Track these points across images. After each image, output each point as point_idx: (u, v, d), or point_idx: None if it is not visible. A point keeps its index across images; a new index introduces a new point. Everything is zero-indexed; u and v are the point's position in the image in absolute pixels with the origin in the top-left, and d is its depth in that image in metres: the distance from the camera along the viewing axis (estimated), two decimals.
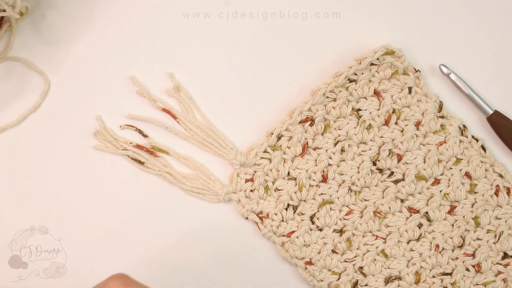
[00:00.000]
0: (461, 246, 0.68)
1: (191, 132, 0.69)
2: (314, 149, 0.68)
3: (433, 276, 0.67)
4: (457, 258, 0.68)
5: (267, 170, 0.68)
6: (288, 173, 0.68)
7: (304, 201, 0.68)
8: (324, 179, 0.68)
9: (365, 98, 0.68)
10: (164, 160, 0.69)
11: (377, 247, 0.67)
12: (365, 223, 0.67)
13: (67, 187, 0.68)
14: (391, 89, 0.69)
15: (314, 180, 0.68)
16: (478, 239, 0.68)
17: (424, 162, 0.68)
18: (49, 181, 0.68)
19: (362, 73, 0.68)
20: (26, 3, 0.67)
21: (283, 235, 0.67)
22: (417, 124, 0.68)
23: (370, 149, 0.68)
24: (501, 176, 0.68)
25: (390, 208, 0.67)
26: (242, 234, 0.68)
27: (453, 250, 0.67)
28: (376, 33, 0.70)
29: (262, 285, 0.68)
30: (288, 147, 0.68)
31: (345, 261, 0.67)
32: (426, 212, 0.68)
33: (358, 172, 0.68)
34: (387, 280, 0.67)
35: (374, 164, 0.68)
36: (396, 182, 0.68)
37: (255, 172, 0.68)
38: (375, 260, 0.67)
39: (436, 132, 0.68)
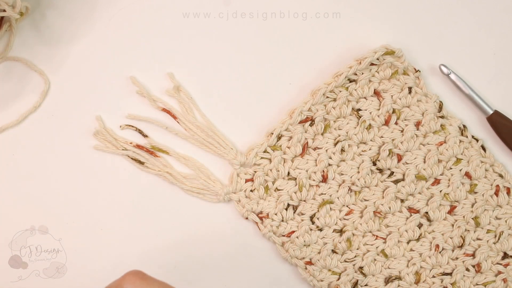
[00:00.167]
0: (461, 246, 0.68)
1: (191, 132, 0.69)
2: (314, 149, 0.68)
3: (433, 276, 0.67)
4: (457, 258, 0.68)
5: (267, 170, 0.68)
6: (288, 173, 0.68)
7: (304, 201, 0.68)
8: (324, 179, 0.68)
9: (365, 98, 0.68)
10: (164, 160, 0.69)
11: (377, 247, 0.67)
12: (365, 223, 0.67)
13: (67, 187, 0.68)
14: (391, 89, 0.69)
15: (314, 180, 0.68)
16: (478, 239, 0.68)
17: (424, 162, 0.68)
18: (49, 181, 0.68)
19: (362, 73, 0.68)
20: (26, 3, 0.67)
21: (283, 235, 0.67)
22: (417, 124, 0.68)
23: (370, 149, 0.68)
24: (501, 176, 0.68)
25: (390, 208, 0.67)
26: (242, 234, 0.68)
27: (453, 250, 0.67)
28: (376, 33, 0.70)
29: (262, 285, 0.68)
30: (288, 147, 0.68)
31: (345, 261, 0.67)
32: (426, 212, 0.68)
33: (358, 172, 0.68)
34: (387, 280, 0.67)
35: (374, 164, 0.68)
36: (396, 182, 0.68)
37: (255, 172, 0.68)
38: (375, 260, 0.67)
39: (436, 132, 0.68)
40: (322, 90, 0.68)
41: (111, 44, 0.70)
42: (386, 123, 0.68)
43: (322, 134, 0.68)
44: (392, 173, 0.68)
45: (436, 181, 0.68)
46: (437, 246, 0.67)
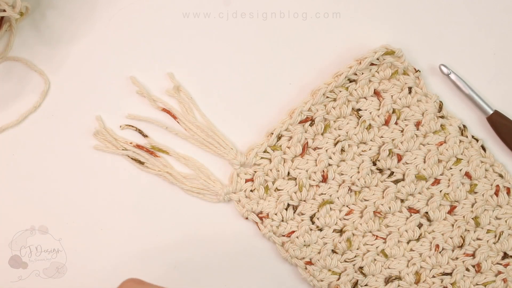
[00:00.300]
0: (461, 246, 0.68)
1: (191, 132, 0.69)
2: (314, 149, 0.68)
3: (433, 276, 0.67)
4: (457, 258, 0.68)
5: (267, 170, 0.68)
6: (288, 173, 0.68)
7: (304, 201, 0.68)
8: (324, 179, 0.68)
9: (365, 98, 0.68)
10: (164, 160, 0.69)
11: (377, 247, 0.67)
12: (365, 223, 0.67)
13: (67, 187, 0.68)
14: (391, 89, 0.69)
15: (314, 180, 0.68)
16: (478, 239, 0.68)
17: (424, 162, 0.68)
18: (49, 181, 0.68)
19: (362, 73, 0.68)
20: (26, 3, 0.67)
21: (283, 235, 0.67)
22: (417, 124, 0.68)
23: (370, 149, 0.68)
24: (501, 176, 0.68)
25: (390, 208, 0.67)
26: (242, 234, 0.68)
27: (453, 250, 0.68)
28: (376, 33, 0.70)
29: (262, 285, 0.68)
30: (288, 147, 0.68)
31: (345, 261, 0.67)
32: (426, 212, 0.68)
33: (358, 172, 0.68)
34: (387, 280, 0.67)
35: (374, 164, 0.68)
36: (396, 182, 0.68)
37: (255, 172, 0.68)
38: (375, 260, 0.67)
39: (436, 132, 0.68)
40: (322, 90, 0.68)
41: (111, 44, 0.70)
42: (386, 123, 0.68)
43: (322, 134, 0.68)
44: (392, 173, 0.68)
45: (436, 181, 0.68)
46: (437, 246, 0.67)
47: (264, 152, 0.68)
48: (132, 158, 0.68)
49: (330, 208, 0.68)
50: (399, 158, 0.68)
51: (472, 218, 0.68)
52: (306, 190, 0.67)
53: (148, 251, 0.68)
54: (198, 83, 0.70)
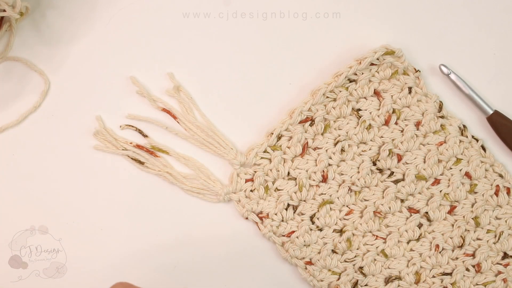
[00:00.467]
0: (461, 246, 0.68)
1: (191, 132, 0.69)
2: (314, 149, 0.68)
3: (433, 276, 0.67)
4: (457, 258, 0.68)
5: (267, 170, 0.68)
6: (288, 173, 0.68)
7: (304, 201, 0.68)
8: (324, 179, 0.68)
9: (365, 98, 0.68)
10: (164, 160, 0.69)
11: (377, 247, 0.67)
12: (365, 223, 0.67)
13: (67, 187, 0.68)
14: (391, 89, 0.69)
15: (314, 180, 0.68)
16: (478, 239, 0.68)
17: (424, 162, 0.68)
18: (49, 181, 0.68)
19: (362, 73, 0.68)
20: (26, 3, 0.67)
21: (283, 235, 0.67)
22: (417, 124, 0.68)
23: (370, 149, 0.68)
24: (501, 176, 0.68)
25: (390, 208, 0.67)
26: (242, 234, 0.68)
27: (453, 250, 0.68)
28: (376, 33, 0.70)
29: (262, 285, 0.68)
30: (288, 147, 0.68)
31: (345, 261, 0.67)
32: (426, 212, 0.68)
33: (358, 172, 0.68)
34: (387, 280, 0.67)
35: (374, 164, 0.68)
36: (396, 182, 0.68)
37: (255, 172, 0.68)
38: (375, 260, 0.67)
39: (436, 132, 0.68)
40: (322, 90, 0.68)
41: (111, 44, 0.70)
42: (386, 123, 0.68)
43: (322, 134, 0.68)
44: (392, 173, 0.68)
45: (436, 181, 0.68)
46: (437, 246, 0.67)
47: (264, 152, 0.68)
48: (132, 158, 0.68)
49: (330, 208, 0.68)
50: (399, 158, 0.68)
51: (472, 218, 0.68)
52: (306, 190, 0.67)
53: (148, 251, 0.68)
54: (198, 83, 0.70)
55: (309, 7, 0.70)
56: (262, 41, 0.70)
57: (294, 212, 0.67)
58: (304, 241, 0.67)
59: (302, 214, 0.67)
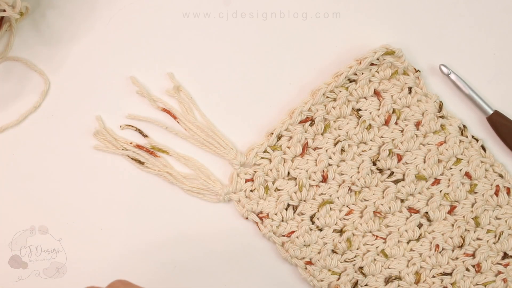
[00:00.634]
0: (461, 246, 0.68)
1: (191, 132, 0.69)
2: (314, 149, 0.68)
3: (433, 276, 0.67)
4: (457, 258, 0.68)
5: (267, 170, 0.68)
6: (288, 173, 0.68)
7: (304, 201, 0.68)
8: (324, 179, 0.68)
9: (365, 98, 0.68)
10: (164, 160, 0.69)
11: (377, 247, 0.67)
12: (365, 223, 0.67)
13: (67, 187, 0.68)
14: (391, 89, 0.69)
15: (314, 180, 0.68)
16: (478, 239, 0.68)
17: (424, 162, 0.68)
18: (49, 181, 0.68)
19: (362, 73, 0.68)
20: (26, 3, 0.67)
21: (283, 235, 0.67)
22: (417, 124, 0.68)
23: (370, 149, 0.68)
24: (501, 176, 0.68)
25: (390, 208, 0.67)
26: (242, 234, 0.68)
27: (453, 250, 0.67)
28: (376, 33, 0.70)
29: (262, 285, 0.68)
30: (288, 147, 0.68)
31: (345, 261, 0.67)
32: (426, 212, 0.68)
33: (358, 172, 0.68)
34: (387, 280, 0.67)
35: (374, 164, 0.68)
36: (396, 182, 0.68)
37: (255, 172, 0.68)
38: (375, 260, 0.67)
39: (436, 132, 0.68)
40: (322, 90, 0.68)
41: (111, 44, 0.70)
42: (386, 123, 0.68)
43: (322, 134, 0.68)
44: (392, 173, 0.68)
45: (436, 181, 0.68)
46: (437, 246, 0.67)
47: (264, 152, 0.68)
48: (132, 158, 0.68)
49: (330, 208, 0.68)
50: (399, 158, 0.68)
51: (472, 218, 0.68)
52: (306, 190, 0.67)
53: (148, 251, 0.68)
54: (198, 83, 0.70)
55: (309, 7, 0.70)
56: (262, 41, 0.70)
57: (294, 212, 0.67)
58: (304, 241, 0.67)
59: (302, 214, 0.67)
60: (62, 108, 0.69)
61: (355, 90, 0.68)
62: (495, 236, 0.68)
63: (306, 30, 0.70)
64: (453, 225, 0.68)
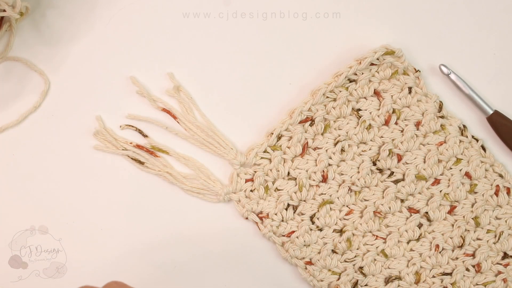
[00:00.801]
0: (461, 246, 0.68)
1: (191, 132, 0.69)
2: (314, 149, 0.68)
3: (433, 276, 0.67)
4: (457, 258, 0.68)
5: (267, 170, 0.68)
6: (288, 173, 0.68)
7: (304, 201, 0.68)
8: (324, 179, 0.68)
9: (365, 98, 0.68)
10: (164, 160, 0.69)
11: (377, 247, 0.67)
12: (365, 223, 0.67)
13: (67, 187, 0.68)
14: (391, 89, 0.69)
15: (314, 180, 0.68)
16: (478, 239, 0.68)
17: (424, 162, 0.68)
18: (49, 181, 0.68)
19: (362, 73, 0.68)
20: (26, 3, 0.67)
21: (283, 235, 0.67)
22: (417, 124, 0.68)
23: (370, 149, 0.68)
24: (501, 176, 0.68)
25: (390, 208, 0.67)
26: (242, 234, 0.68)
27: (453, 250, 0.68)
28: (376, 33, 0.70)
29: (262, 285, 0.68)
30: (288, 147, 0.68)
31: (345, 261, 0.67)
32: (426, 212, 0.68)
33: (358, 172, 0.68)
34: (387, 280, 0.67)
35: (374, 164, 0.68)
36: (396, 182, 0.68)
37: (255, 172, 0.68)
38: (375, 260, 0.67)
39: (436, 132, 0.68)
40: (322, 90, 0.68)
41: (111, 44, 0.70)
42: (386, 123, 0.68)
43: (322, 134, 0.68)
44: (392, 173, 0.68)
45: (436, 181, 0.68)
46: (437, 246, 0.67)
47: (264, 152, 0.68)
48: (132, 158, 0.68)
49: (330, 208, 0.68)
50: (399, 158, 0.68)
51: (472, 218, 0.68)
52: (306, 190, 0.67)
53: (148, 251, 0.68)
54: (198, 83, 0.70)
55: (309, 7, 0.70)
56: (262, 41, 0.70)
57: (294, 212, 0.67)
58: (304, 241, 0.67)
59: (302, 214, 0.67)
60: (62, 108, 0.69)
61: (355, 90, 0.68)
62: (495, 236, 0.68)
63: (306, 30, 0.70)
64: (453, 225, 0.68)
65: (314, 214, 0.67)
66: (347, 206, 0.68)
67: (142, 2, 0.70)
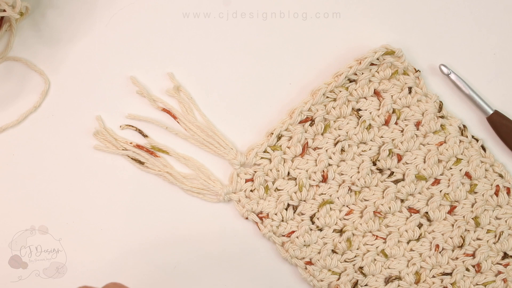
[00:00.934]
0: (461, 246, 0.68)
1: (191, 132, 0.69)
2: (314, 149, 0.68)
3: (433, 276, 0.67)
4: (457, 258, 0.68)
5: (267, 170, 0.68)
6: (288, 173, 0.68)
7: (304, 201, 0.68)
8: (324, 179, 0.68)
9: (365, 98, 0.68)
10: (164, 160, 0.69)
11: (377, 247, 0.67)
12: (365, 223, 0.67)
13: (67, 187, 0.68)
14: (391, 89, 0.69)
15: (314, 180, 0.68)
16: (478, 239, 0.68)
17: (424, 162, 0.68)
18: (49, 181, 0.68)
19: (362, 73, 0.68)
20: (26, 3, 0.67)
21: (283, 235, 0.67)
22: (417, 124, 0.68)
23: (370, 149, 0.68)
24: (501, 176, 0.68)
25: (390, 208, 0.67)
26: (242, 234, 0.68)
27: (453, 250, 0.68)
28: (376, 33, 0.70)
29: (262, 285, 0.68)
30: (288, 147, 0.68)
31: (345, 261, 0.67)
32: (426, 212, 0.68)
33: (358, 172, 0.68)
34: (387, 280, 0.67)
35: (374, 164, 0.68)
36: (396, 182, 0.68)
37: (255, 172, 0.68)
38: (375, 260, 0.67)
39: (436, 132, 0.68)
40: (322, 90, 0.68)
41: (111, 44, 0.70)
42: (386, 123, 0.68)
43: (322, 134, 0.68)
44: (392, 173, 0.68)
45: (436, 181, 0.68)
46: (437, 246, 0.67)
47: (264, 152, 0.68)
48: (132, 158, 0.68)
49: (330, 208, 0.68)
50: (399, 158, 0.68)
51: (472, 218, 0.68)
52: (306, 190, 0.67)
53: (148, 251, 0.68)
54: (198, 83, 0.70)
55: (309, 7, 0.70)
56: (262, 41, 0.70)
57: (294, 212, 0.67)
58: (304, 241, 0.67)
59: (302, 214, 0.67)
60: (62, 108, 0.69)
61: (355, 90, 0.68)
62: (495, 236, 0.68)
63: (306, 30, 0.70)
64: (453, 225, 0.68)
65: (314, 214, 0.67)
66: (347, 206, 0.68)
67: (142, 2, 0.70)
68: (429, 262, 0.67)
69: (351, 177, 0.68)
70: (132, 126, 0.69)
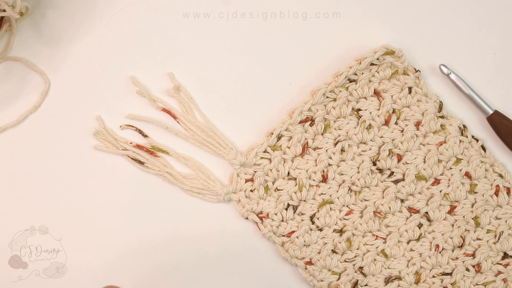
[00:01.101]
0: (461, 246, 0.68)
1: (191, 132, 0.69)
2: (314, 149, 0.68)
3: (433, 276, 0.67)
4: (457, 258, 0.68)
5: (267, 170, 0.68)
6: (288, 173, 0.68)
7: (304, 201, 0.68)
8: (324, 179, 0.68)
9: (365, 98, 0.68)
10: (164, 160, 0.69)
11: (377, 247, 0.67)
12: (365, 223, 0.67)
13: (67, 187, 0.68)
14: (391, 89, 0.69)
15: (314, 180, 0.68)
16: (478, 239, 0.68)
17: (424, 162, 0.68)
18: (49, 181, 0.68)
19: (362, 73, 0.68)
20: (26, 3, 0.67)
21: (283, 235, 0.67)
22: (417, 124, 0.68)
23: (370, 149, 0.68)
24: (501, 176, 0.68)
25: (390, 208, 0.67)
26: (242, 234, 0.68)
27: (453, 250, 0.68)
28: (376, 33, 0.70)
29: (262, 285, 0.68)
30: (288, 147, 0.68)
31: (345, 261, 0.67)
32: (426, 212, 0.68)
33: (358, 172, 0.68)
34: (387, 280, 0.67)
35: (374, 164, 0.68)
36: (396, 182, 0.68)
37: (255, 172, 0.68)
38: (375, 260, 0.67)
39: (436, 132, 0.68)
40: (322, 90, 0.68)
41: (111, 44, 0.70)
42: (386, 123, 0.68)
43: (322, 134, 0.68)
44: (392, 173, 0.68)
45: (436, 181, 0.68)
46: (437, 246, 0.67)
47: (264, 152, 0.68)
48: (132, 158, 0.68)
49: (330, 208, 0.68)
50: (399, 158, 0.68)
51: (472, 218, 0.68)
52: (306, 190, 0.67)
53: (148, 251, 0.68)
54: (198, 83, 0.70)
55: (309, 7, 0.70)
56: (262, 41, 0.70)
57: (294, 212, 0.67)
58: (304, 241, 0.67)
59: (302, 214, 0.67)
60: (62, 108, 0.69)
61: (355, 90, 0.68)
62: (495, 236, 0.68)
63: (306, 30, 0.70)
64: (453, 225, 0.68)
65: (314, 214, 0.67)
66: (347, 206, 0.68)
67: (142, 2, 0.70)
68: (429, 262, 0.67)
69: (351, 177, 0.68)
70: (132, 126, 0.69)
